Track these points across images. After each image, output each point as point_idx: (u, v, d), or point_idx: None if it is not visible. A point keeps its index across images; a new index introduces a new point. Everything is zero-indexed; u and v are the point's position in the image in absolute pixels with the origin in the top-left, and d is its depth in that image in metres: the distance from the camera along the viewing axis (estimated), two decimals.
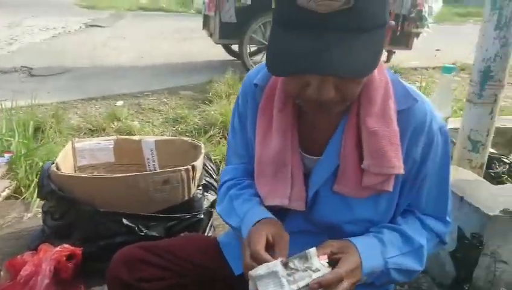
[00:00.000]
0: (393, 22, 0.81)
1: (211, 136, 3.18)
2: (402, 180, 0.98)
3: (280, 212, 1.04)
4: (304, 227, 1.06)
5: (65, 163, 1.74)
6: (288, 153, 0.98)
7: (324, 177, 0.98)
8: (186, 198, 1.64)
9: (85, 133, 3.27)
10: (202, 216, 1.68)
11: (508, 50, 1.55)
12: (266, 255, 0.86)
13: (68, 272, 1.46)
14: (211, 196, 1.78)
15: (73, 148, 1.82)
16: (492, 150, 1.97)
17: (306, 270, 0.82)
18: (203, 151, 1.79)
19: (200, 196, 1.70)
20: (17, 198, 2.18)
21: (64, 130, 3.22)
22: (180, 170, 1.58)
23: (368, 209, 0.99)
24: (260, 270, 0.81)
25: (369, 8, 0.72)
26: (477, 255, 1.44)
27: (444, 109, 1.69)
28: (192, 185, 1.65)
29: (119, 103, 3.95)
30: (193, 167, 1.64)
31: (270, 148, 0.99)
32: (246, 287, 0.84)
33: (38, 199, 2.10)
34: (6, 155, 1.51)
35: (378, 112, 0.91)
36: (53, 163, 1.62)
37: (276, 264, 0.81)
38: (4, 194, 1.27)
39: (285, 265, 0.82)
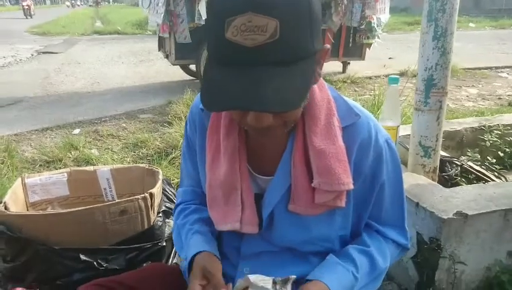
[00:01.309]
0: (328, 46, 0.82)
1: (172, 158, 3.13)
2: (359, 196, 1.00)
3: (236, 235, 1.05)
4: (262, 248, 1.06)
5: (16, 201, 1.66)
6: (237, 176, 0.98)
7: (277, 197, 0.99)
8: (146, 227, 1.60)
9: (40, 165, 3.14)
10: (164, 244, 1.64)
11: (447, 58, 1.63)
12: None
13: None
14: (172, 222, 1.74)
15: (24, 184, 1.74)
16: (444, 153, 2.05)
17: None
18: (161, 177, 1.76)
19: (161, 223, 1.66)
20: None
21: (18, 163, 3.08)
22: (137, 199, 1.55)
23: (324, 227, 1.00)
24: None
25: (296, 40, 0.73)
26: (437, 258, 1.48)
27: (394, 118, 1.75)
28: (151, 213, 1.61)
29: (76, 131, 3.84)
30: (151, 195, 1.60)
31: (218, 173, 1.00)
32: None
33: None
34: None
35: (323, 130, 0.92)
36: (0, 202, 1.54)
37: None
38: None
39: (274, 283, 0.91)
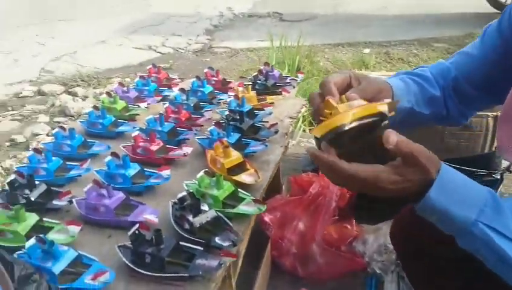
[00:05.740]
0: None
1: None
2: None
3: None
4: None
5: None
6: None
7: None
8: (486, 151, 1.38)
9: None
10: (498, 177, 1.40)
11: None
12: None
13: (345, 200, 1.43)
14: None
15: None
16: None
17: None
18: None
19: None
20: None
21: (315, 71, 3.29)
22: (488, 116, 1.32)
23: None
24: None
25: None
26: None
27: None
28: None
29: (366, 50, 3.82)
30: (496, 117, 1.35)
31: None
32: None
33: (300, 129, 2.18)
34: (300, 76, 1.53)
35: None
36: None
37: None
38: (302, 110, 1.27)
39: None
